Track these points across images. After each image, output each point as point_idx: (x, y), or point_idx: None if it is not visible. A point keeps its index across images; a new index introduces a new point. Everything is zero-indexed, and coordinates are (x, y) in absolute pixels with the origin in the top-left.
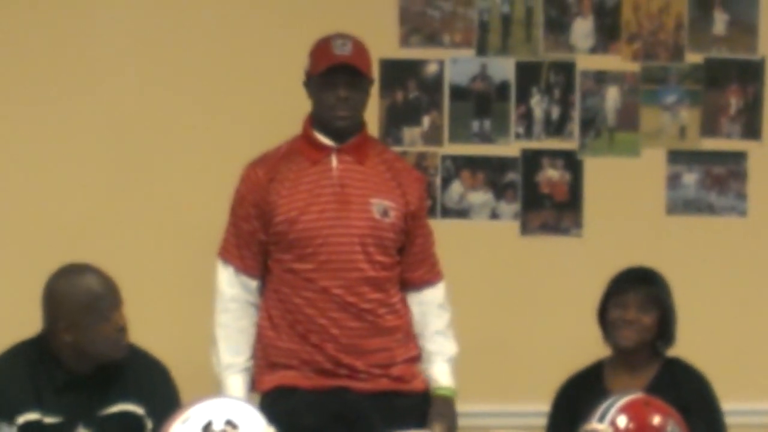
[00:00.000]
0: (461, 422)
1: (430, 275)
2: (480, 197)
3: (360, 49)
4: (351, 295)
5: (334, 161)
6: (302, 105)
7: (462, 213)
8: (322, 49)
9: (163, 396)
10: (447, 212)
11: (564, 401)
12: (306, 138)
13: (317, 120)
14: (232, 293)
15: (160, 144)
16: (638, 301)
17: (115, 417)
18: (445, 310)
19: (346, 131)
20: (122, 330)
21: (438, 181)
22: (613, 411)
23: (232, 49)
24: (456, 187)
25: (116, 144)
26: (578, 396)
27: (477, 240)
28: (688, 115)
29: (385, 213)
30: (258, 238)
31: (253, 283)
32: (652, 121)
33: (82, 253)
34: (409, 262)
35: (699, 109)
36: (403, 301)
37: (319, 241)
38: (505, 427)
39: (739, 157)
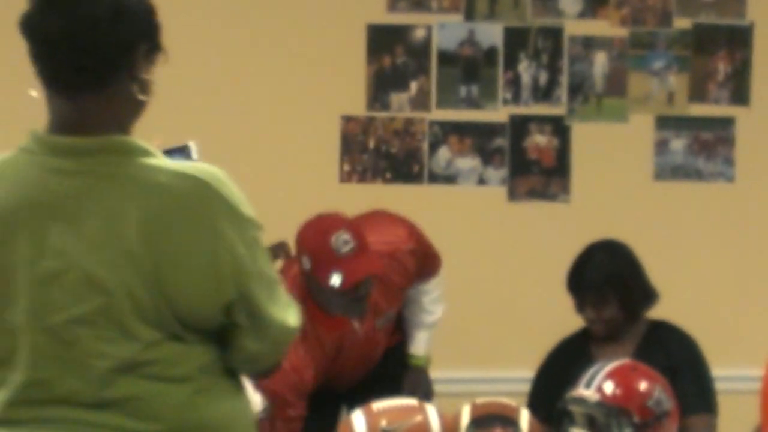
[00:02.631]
0: (446, 388)
1: (429, 275)
2: (467, 163)
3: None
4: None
5: (356, 325)
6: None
7: (449, 179)
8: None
9: None
10: (434, 178)
11: (551, 367)
12: (313, 303)
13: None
14: None
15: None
16: (591, 299)
17: None
18: (435, 288)
19: None
20: None
21: (425, 146)
22: (599, 377)
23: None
24: (443, 153)
25: None
26: (565, 362)
27: (464, 206)
28: (676, 81)
29: (388, 319)
30: None
31: None
32: (640, 87)
33: None
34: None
35: (687, 74)
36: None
37: (340, 378)
38: (491, 394)
39: (727, 122)
